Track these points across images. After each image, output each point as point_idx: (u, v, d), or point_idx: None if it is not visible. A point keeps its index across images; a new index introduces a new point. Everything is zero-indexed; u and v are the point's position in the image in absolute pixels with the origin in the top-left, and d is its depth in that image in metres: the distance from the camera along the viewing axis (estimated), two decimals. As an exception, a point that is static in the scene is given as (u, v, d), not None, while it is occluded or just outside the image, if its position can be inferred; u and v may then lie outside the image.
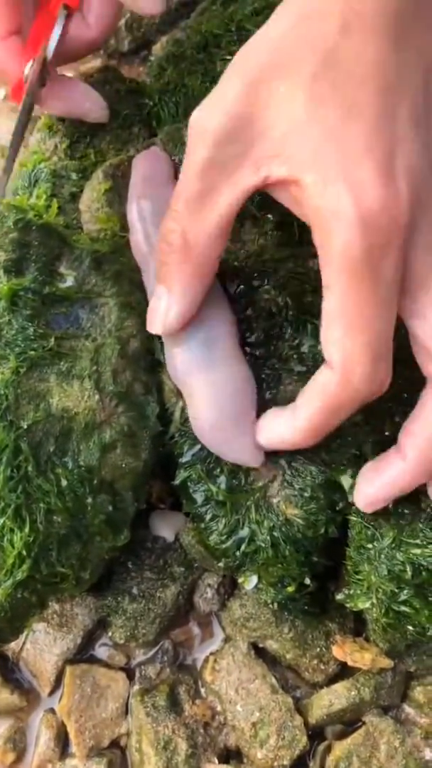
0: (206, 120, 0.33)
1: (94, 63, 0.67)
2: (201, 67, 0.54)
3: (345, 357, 0.33)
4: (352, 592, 0.42)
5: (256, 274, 0.44)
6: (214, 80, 0.53)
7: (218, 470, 0.41)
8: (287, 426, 0.37)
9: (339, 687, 0.45)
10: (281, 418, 0.38)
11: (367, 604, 0.41)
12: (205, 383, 0.39)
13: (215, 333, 0.40)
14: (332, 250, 0.31)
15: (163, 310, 0.37)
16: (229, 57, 0.54)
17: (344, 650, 0.45)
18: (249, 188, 0.33)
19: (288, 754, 0.43)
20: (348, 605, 0.42)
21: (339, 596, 0.42)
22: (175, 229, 0.35)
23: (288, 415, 0.37)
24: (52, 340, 0.39)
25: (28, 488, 0.37)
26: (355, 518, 0.41)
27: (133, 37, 0.66)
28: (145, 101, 0.56)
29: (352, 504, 0.40)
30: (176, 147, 0.48)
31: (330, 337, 0.33)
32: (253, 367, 0.42)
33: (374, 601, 0.40)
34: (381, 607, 0.40)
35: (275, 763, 0.43)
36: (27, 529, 0.37)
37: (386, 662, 0.45)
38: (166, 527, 0.48)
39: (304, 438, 0.37)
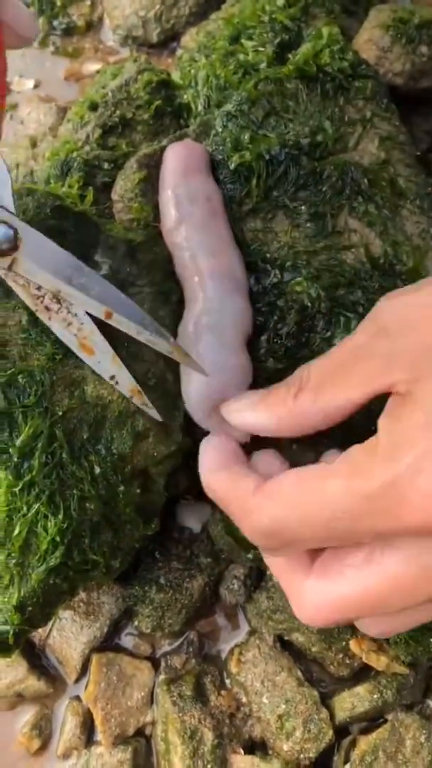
0: (391, 313, 0.33)
1: (123, 54, 0.67)
2: (233, 58, 0.54)
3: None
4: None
5: (288, 266, 0.44)
6: (246, 71, 0.54)
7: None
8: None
9: (361, 690, 0.45)
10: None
11: None
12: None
13: (225, 322, 0.40)
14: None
15: (242, 409, 0.36)
16: (262, 48, 0.54)
17: (361, 647, 0.45)
18: (375, 392, 0.32)
19: (314, 747, 0.43)
20: None
21: None
22: (297, 390, 0.34)
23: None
24: (88, 327, 0.39)
25: (62, 475, 0.37)
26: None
27: (162, 29, 0.66)
28: (175, 92, 0.56)
29: None
30: (208, 138, 0.48)
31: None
32: (283, 358, 0.42)
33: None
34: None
35: (301, 756, 0.43)
36: (61, 516, 0.37)
37: (401, 669, 0.44)
38: (192, 518, 0.48)
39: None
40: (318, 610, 0.32)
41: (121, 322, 0.36)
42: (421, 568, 0.30)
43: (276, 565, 0.35)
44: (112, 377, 0.38)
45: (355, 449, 0.31)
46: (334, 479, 0.30)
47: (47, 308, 0.37)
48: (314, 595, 0.32)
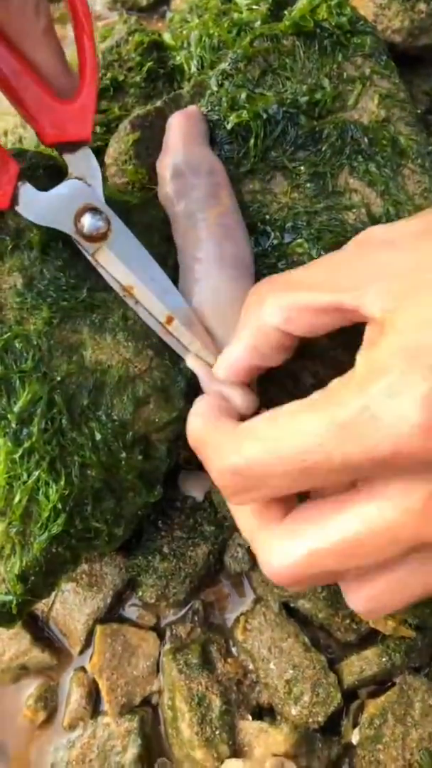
0: (379, 233, 0.34)
1: (112, 19, 0.65)
2: (227, 17, 0.53)
3: None
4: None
5: (288, 227, 0.43)
6: (241, 30, 0.52)
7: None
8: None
9: (369, 653, 0.45)
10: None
11: None
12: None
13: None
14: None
15: (225, 358, 0.37)
16: (256, 7, 0.52)
17: (367, 612, 0.44)
18: (343, 303, 0.31)
19: (323, 711, 0.43)
20: None
21: None
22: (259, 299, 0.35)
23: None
24: (85, 291, 0.38)
25: (63, 441, 0.37)
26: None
27: (151, -8, 0.64)
28: (168, 54, 0.54)
29: None
30: (203, 99, 0.47)
31: None
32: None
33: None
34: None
35: (310, 720, 0.43)
36: (62, 483, 0.36)
37: (408, 632, 0.44)
38: (195, 487, 0.47)
39: None
40: (288, 564, 0.30)
41: (178, 330, 0.38)
42: (399, 511, 0.28)
43: (244, 520, 0.32)
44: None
45: (333, 382, 0.29)
46: (309, 412, 0.29)
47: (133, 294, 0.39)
48: (285, 548, 0.30)
